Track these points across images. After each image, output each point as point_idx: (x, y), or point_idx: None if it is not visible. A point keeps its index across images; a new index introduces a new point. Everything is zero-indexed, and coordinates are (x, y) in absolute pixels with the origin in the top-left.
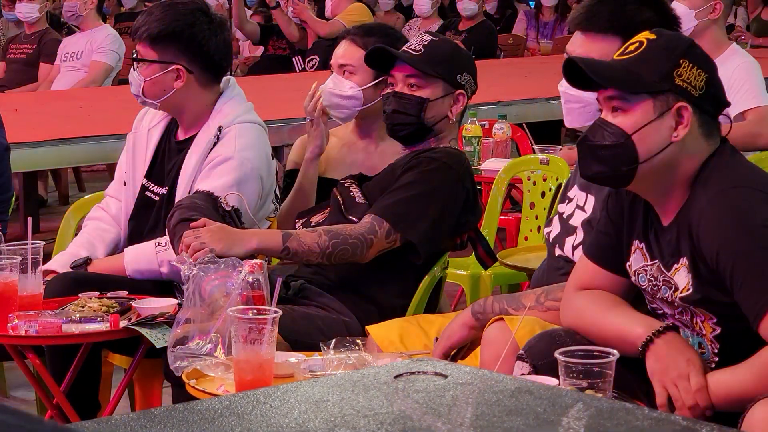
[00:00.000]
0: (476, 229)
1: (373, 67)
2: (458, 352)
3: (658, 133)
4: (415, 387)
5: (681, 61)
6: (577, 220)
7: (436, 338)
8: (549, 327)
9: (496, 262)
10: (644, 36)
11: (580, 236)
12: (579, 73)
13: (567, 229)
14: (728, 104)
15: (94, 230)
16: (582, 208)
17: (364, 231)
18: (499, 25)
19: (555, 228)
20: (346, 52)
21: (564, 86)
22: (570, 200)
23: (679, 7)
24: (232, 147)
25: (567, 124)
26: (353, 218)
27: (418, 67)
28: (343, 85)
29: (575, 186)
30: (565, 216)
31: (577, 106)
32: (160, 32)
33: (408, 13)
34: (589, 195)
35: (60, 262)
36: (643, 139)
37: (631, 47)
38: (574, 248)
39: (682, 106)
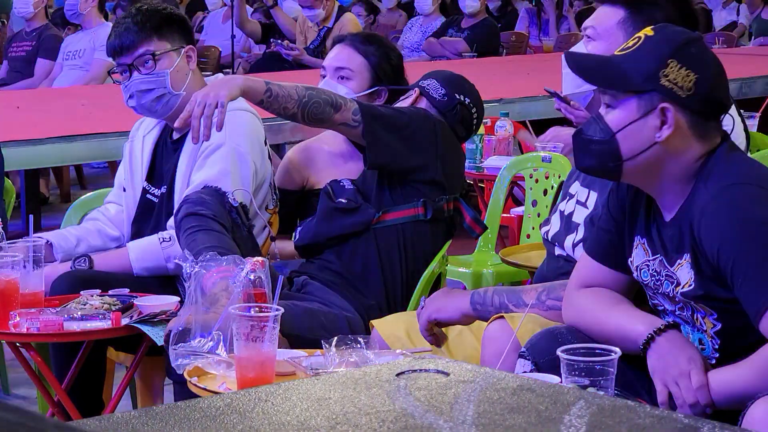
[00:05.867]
0: (460, 199)
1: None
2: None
3: (641, 132)
4: (416, 385)
5: (669, 61)
6: (579, 216)
7: (424, 298)
8: (550, 324)
9: (485, 229)
10: (644, 32)
11: (581, 233)
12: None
13: (568, 227)
14: (729, 104)
15: (92, 224)
16: (584, 204)
17: (337, 95)
18: (500, 22)
19: (554, 225)
20: (344, 55)
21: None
22: (571, 196)
23: None
24: (222, 134)
25: (563, 92)
26: (342, 200)
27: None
28: (337, 90)
29: (576, 181)
30: (566, 213)
31: (567, 70)
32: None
33: (411, 10)
34: (591, 191)
35: (57, 242)
36: (626, 138)
37: (630, 43)
38: (574, 246)
39: (665, 107)
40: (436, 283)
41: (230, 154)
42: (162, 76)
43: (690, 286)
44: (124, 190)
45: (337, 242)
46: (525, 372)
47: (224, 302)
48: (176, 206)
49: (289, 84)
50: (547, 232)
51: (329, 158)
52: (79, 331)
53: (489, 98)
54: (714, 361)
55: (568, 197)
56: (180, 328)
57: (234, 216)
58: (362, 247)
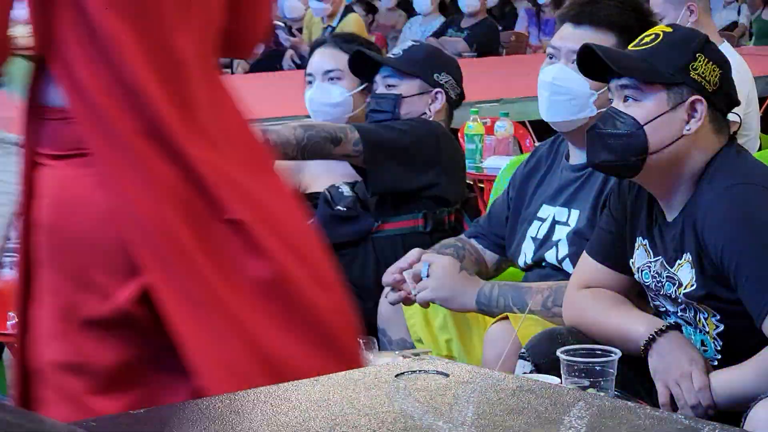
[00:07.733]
0: (462, 210)
1: (355, 74)
2: None
3: (671, 125)
4: (416, 386)
5: (697, 55)
6: (558, 233)
7: (427, 265)
8: (551, 326)
9: None
10: (660, 29)
11: (563, 249)
12: (591, 61)
13: (546, 246)
14: (739, 103)
15: None
16: (565, 224)
17: (336, 128)
18: (500, 22)
19: (529, 252)
20: (330, 57)
21: (552, 76)
22: (541, 220)
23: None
24: None
25: (547, 118)
26: (340, 207)
27: (395, 65)
28: (331, 92)
29: (545, 205)
30: (539, 237)
31: (564, 99)
32: None
33: (410, 10)
34: (572, 210)
35: None
36: (655, 131)
37: (647, 39)
38: (560, 261)
39: (696, 100)
40: None
41: None
42: None
43: (692, 286)
44: None
45: (334, 249)
46: (525, 373)
47: None
48: None
49: (286, 129)
50: (523, 260)
51: (323, 163)
52: None
53: (489, 98)
54: (716, 363)
55: (536, 221)
56: None
57: None
58: (360, 255)
